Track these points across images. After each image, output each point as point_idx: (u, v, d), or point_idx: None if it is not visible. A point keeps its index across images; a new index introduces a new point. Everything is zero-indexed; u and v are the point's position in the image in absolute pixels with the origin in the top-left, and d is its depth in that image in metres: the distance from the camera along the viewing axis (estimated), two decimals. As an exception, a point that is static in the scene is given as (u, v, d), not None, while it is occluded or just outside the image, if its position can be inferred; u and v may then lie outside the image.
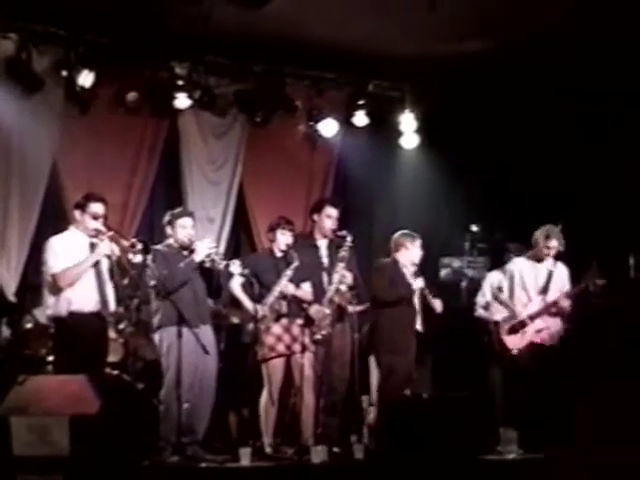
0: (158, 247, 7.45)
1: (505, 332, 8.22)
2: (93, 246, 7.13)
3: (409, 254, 8.25)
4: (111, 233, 7.12)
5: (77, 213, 7.19)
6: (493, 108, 9.42)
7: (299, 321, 7.78)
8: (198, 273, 7.42)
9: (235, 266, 7.47)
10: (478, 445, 6.85)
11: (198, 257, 7.36)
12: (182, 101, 9.03)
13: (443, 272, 10.04)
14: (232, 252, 9.38)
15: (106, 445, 6.14)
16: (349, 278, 8.05)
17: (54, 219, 8.46)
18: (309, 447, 7.38)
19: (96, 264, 7.12)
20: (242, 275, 7.59)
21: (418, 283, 8.17)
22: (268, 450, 7.62)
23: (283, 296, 7.73)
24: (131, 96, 8.91)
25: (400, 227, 8.51)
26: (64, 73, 8.51)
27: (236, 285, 7.80)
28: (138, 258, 7.00)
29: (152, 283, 7.20)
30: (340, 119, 9.85)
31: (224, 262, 7.45)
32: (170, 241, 7.51)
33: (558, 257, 8.22)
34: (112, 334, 7.63)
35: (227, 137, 9.73)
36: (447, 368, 8.86)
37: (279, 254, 7.85)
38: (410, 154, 10.16)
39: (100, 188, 7.88)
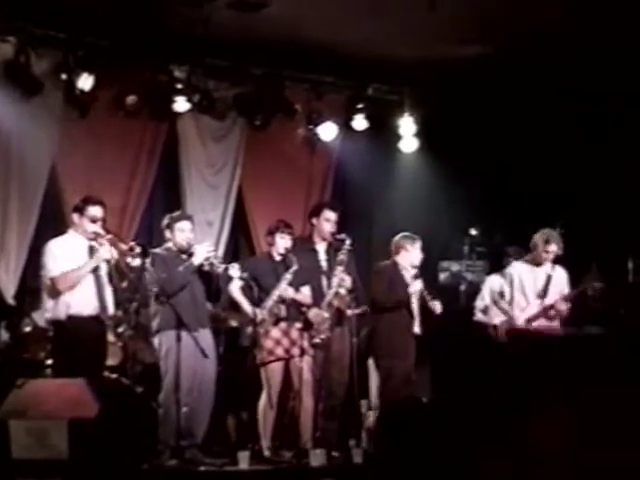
0: (157, 251, 7.45)
1: (502, 336, 8.22)
2: (92, 249, 7.13)
3: (409, 256, 8.25)
4: (110, 236, 7.12)
5: (76, 216, 7.18)
6: (492, 112, 9.42)
7: (298, 325, 7.77)
8: (197, 277, 7.42)
9: (234, 270, 7.48)
10: (476, 450, 6.84)
11: (197, 260, 7.36)
12: (181, 104, 9.02)
13: (442, 276, 10.05)
14: (231, 256, 9.37)
15: (105, 448, 6.14)
16: (348, 282, 8.05)
17: (53, 222, 8.45)
18: (308, 451, 7.38)
19: (95, 268, 7.12)
20: (241, 279, 7.60)
21: (417, 285, 8.15)
22: (267, 453, 7.61)
23: (282, 300, 7.73)
24: (130, 99, 8.90)
25: (399, 231, 8.50)
26: (63, 76, 8.50)
27: (235, 289, 7.80)
28: (137, 261, 7.00)
29: (151, 287, 7.20)
30: (339, 122, 9.85)
31: (223, 265, 7.45)
32: (169, 245, 7.51)
33: (557, 260, 8.22)
34: (111, 337, 7.62)
35: (226, 140, 9.72)
36: (446, 372, 8.85)
37: (278, 258, 7.85)
38: (409, 158, 10.16)
39: (99, 191, 7.88)
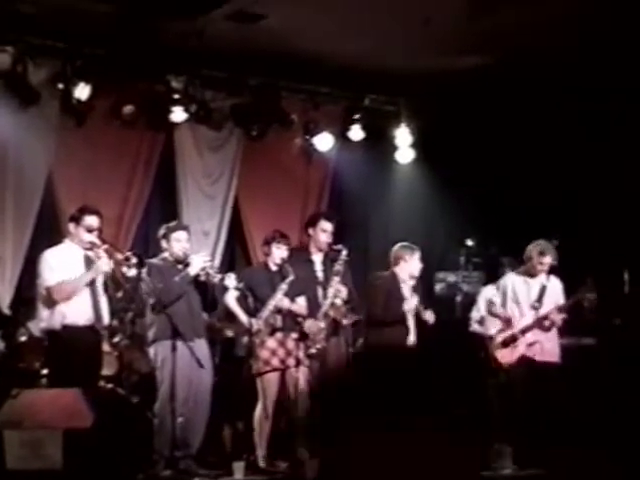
0: (153, 261, 7.44)
1: (496, 346, 8.20)
2: (88, 259, 7.12)
3: (408, 267, 8.20)
4: (106, 246, 7.11)
5: (72, 226, 7.18)
6: (488, 123, 9.45)
7: (294, 335, 7.77)
8: (193, 287, 7.42)
9: (230, 280, 7.47)
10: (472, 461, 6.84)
11: (193, 271, 7.35)
12: (178, 115, 9.03)
13: (438, 287, 10.05)
14: (227, 266, 9.37)
15: (100, 459, 6.13)
16: (344, 292, 8.05)
17: (49, 232, 8.45)
18: (303, 461, 7.36)
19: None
20: (237, 289, 7.60)
21: (412, 303, 8.09)
22: (262, 464, 7.60)
23: (278, 310, 7.73)
24: (127, 109, 8.91)
25: (395, 241, 8.49)
26: (60, 86, 8.51)
27: (231, 299, 7.79)
28: (133, 272, 6.99)
29: (147, 297, 7.20)
30: (336, 133, 9.87)
31: (219, 276, 7.45)
32: (165, 255, 7.51)
33: (552, 271, 8.22)
34: (106, 347, 7.62)
35: (223, 151, 9.74)
36: (442, 383, 8.84)
37: (274, 268, 7.85)
38: (405, 168, 10.18)
39: (95, 201, 7.87)
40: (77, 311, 7.00)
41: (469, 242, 9.76)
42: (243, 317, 7.71)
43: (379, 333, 8.04)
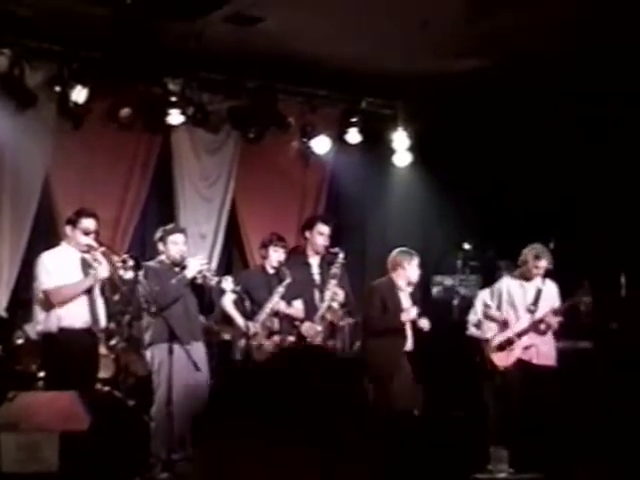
0: (150, 263, 7.44)
1: (492, 349, 8.20)
2: (85, 262, 7.12)
3: (406, 274, 8.15)
4: (102, 249, 7.11)
5: (68, 229, 7.17)
6: (485, 126, 9.45)
7: (291, 338, 7.77)
8: (190, 289, 7.41)
9: (227, 283, 7.47)
10: (469, 464, 6.84)
11: (190, 273, 7.35)
12: (175, 117, 9.03)
13: (435, 290, 10.05)
14: (224, 268, 9.37)
15: (96, 462, 6.12)
16: (341, 295, 8.06)
17: (46, 234, 8.45)
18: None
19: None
20: (234, 292, 7.60)
21: (411, 314, 8.06)
22: (259, 467, 7.59)
23: (275, 313, 7.73)
24: (124, 112, 8.91)
25: (393, 244, 8.48)
26: (57, 89, 8.50)
27: (228, 302, 7.79)
28: (129, 274, 6.98)
29: (144, 299, 7.19)
30: (333, 136, 9.87)
31: (216, 278, 7.45)
32: (162, 257, 7.50)
33: (547, 274, 8.22)
34: (103, 350, 7.61)
35: (220, 153, 9.73)
36: (439, 386, 8.84)
37: (271, 271, 7.85)
38: (403, 172, 10.18)
39: (92, 203, 7.86)
40: (74, 314, 7.00)
41: (466, 245, 9.75)
42: (240, 320, 7.72)
43: (377, 342, 8.00)
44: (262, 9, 7.89)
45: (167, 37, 8.18)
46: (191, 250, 7.87)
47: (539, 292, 8.13)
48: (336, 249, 8.17)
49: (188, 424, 7.26)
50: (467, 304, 9.27)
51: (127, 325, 7.83)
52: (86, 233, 7.08)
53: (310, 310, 7.99)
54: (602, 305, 8.29)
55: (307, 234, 8.37)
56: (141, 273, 7.07)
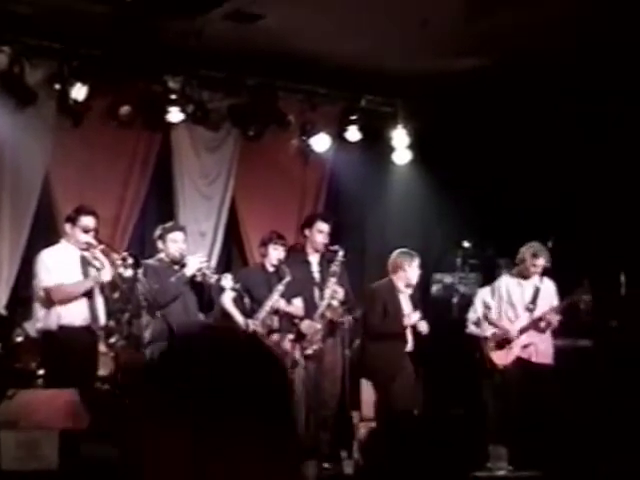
0: (149, 261, 7.44)
1: (491, 348, 8.21)
2: (84, 260, 7.12)
3: (406, 276, 8.14)
4: (102, 247, 7.11)
5: (68, 226, 7.17)
6: (485, 124, 9.44)
7: (290, 336, 7.77)
8: (189, 287, 7.42)
9: (227, 280, 7.48)
10: (469, 462, 6.83)
11: (189, 271, 7.35)
12: (175, 115, 9.02)
13: (434, 288, 10.04)
14: (224, 266, 9.36)
15: (96, 460, 6.12)
16: (340, 293, 8.05)
17: (46, 232, 8.44)
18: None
19: (86, 275, 7.10)
20: (233, 289, 7.59)
21: (413, 318, 8.06)
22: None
23: (275, 311, 7.73)
24: (124, 109, 8.90)
25: (392, 242, 8.49)
26: (57, 86, 8.50)
27: (227, 299, 7.79)
28: (129, 272, 6.99)
29: (143, 297, 7.19)
30: (333, 134, 9.86)
31: (215, 276, 7.45)
32: (161, 255, 7.50)
33: (546, 273, 8.22)
34: (103, 348, 7.61)
35: (220, 151, 9.72)
36: (438, 384, 8.84)
37: (271, 269, 7.85)
38: (402, 170, 10.17)
39: (92, 201, 7.87)
40: (73, 312, 7.00)
41: (466, 243, 9.75)
42: (239, 318, 7.72)
43: (378, 346, 8.00)
44: (262, 7, 7.89)
45: (167, 35, 8.18)
46: (191, 248, 7.87)
47: (537, 291, 8.14)
48: (336, 247, 8.16)
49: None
50: (467, 302, 9.27)
51: (127, 323, 7.83)
52: (85, 231, 7.08)
53: (310, 308, 7.99)
54: (602, 303, 8.30)
55: (307, 232, 8.37)
56: (140, 271, 7.07)
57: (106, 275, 7.01)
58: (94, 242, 7.08)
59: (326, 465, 7.64)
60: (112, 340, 7.85)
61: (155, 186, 9.39)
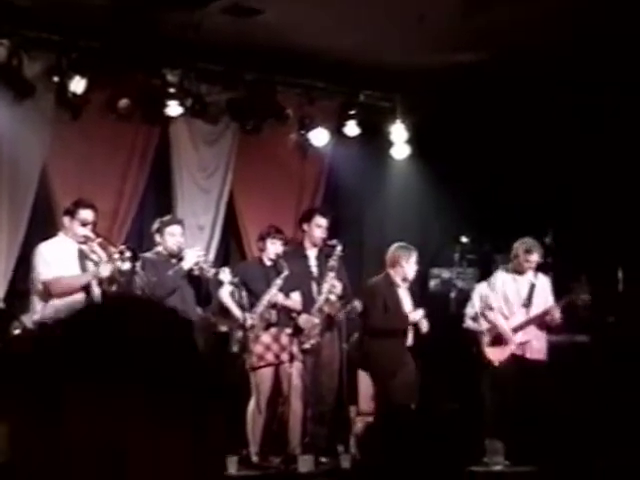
0: (147, 255, 7.44)
1: (487, 344, 8.21)
2: (82, 253, 7.11)
3: (403, 271, 8.15)
4: (99, 240, 7.11)
5: (66, 219, 7.17)
6: (484, 119, 9.45)
7: (288, 330, 7.78)
8: (187, 281, 7.42)
9: (224, 274, 7.48)
10: (465, 456, 6.84)
11: (187, 265, 7.35)
12: (174, 108, 9.01)
13: (432, 283, 10.05)
14: (222, 260, 9.35)
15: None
16: (339, 288, 8.06)
17: (44, 225, 8.43)
18: (296, 456, 7.38)
19: (84, 269, 7.10)
20: (231, 283, 7.59)
21: (417, 315, 8.06)
22: (255, 459, 7.61)
23: (272, 305, 7.73)
24: (123, 103, 8.89)
25: (390, 237, 8.48)
26: (55, 79, 8.48)
27: (225, 293, 7.79)
28: (127, 265, 6.98)
29: (141, 291, 7.19)
30: (331, 128, 9.85)
31: (213, 270, 7.45)
32: (159, 249, 7.51)
33: (541, 268, 8.22)
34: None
35: (218, 145, 9.72)
36: (436, 378, 8.85)
37: (269, 263, 7.85)
38: (401, 164, 10.17)
39: (90, 194, 7.86)
40: (70, 304, 6.99)
41: (464, 239, 9.75)
42: (237, 312, 7.72)
43: (379, 342, 8.00)
44: (261, 1, 7.89)
45: (166, 28, 8.17)
46: (188, 241, 7.87)
47: (532, 287, 8.14)
48: (334, 241, 8.16)
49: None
50: (464, 297, 9.27)
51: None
52: (84, 224, 7.08)
53: (308, 302, 7.99)
54: (599, 299, 8.30)
55: (305, 226, 8.37)
56: (138, 264, 7.08)
57: (105, 270, 7.00)
58: (92, 235, 7.08)
59: (323, 459, 7.66)
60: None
61: (153, 179, 9.38)
